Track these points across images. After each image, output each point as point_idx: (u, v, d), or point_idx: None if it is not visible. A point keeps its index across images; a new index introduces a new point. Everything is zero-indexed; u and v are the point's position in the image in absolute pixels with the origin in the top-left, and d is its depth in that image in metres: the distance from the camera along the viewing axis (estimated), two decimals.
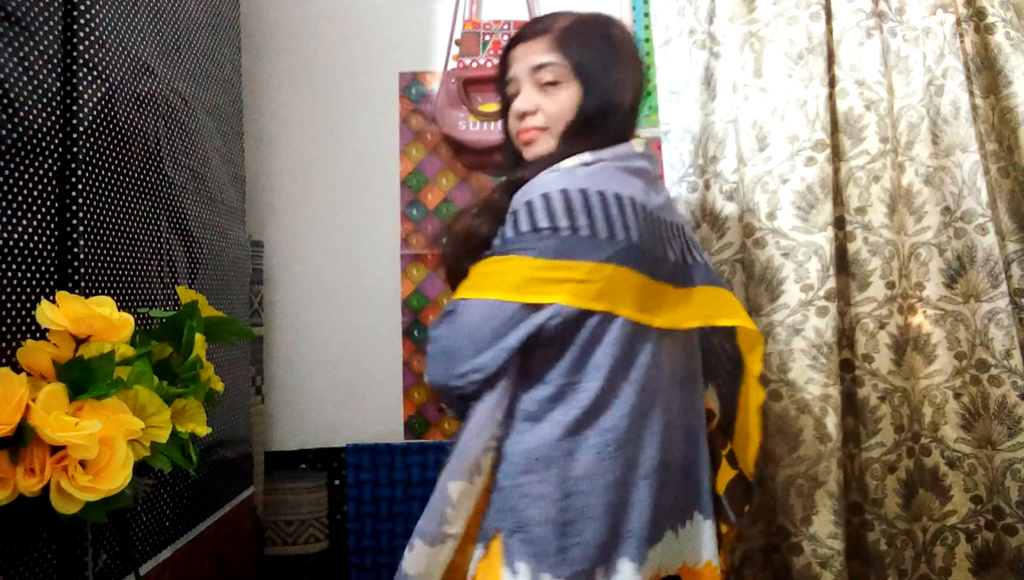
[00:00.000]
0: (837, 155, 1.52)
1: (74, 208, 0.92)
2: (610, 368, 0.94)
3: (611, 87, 1.03)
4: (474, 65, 1.75)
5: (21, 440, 0.71)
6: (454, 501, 0.92)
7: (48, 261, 0.87)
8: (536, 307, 0.92)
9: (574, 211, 0.92)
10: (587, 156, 0.99)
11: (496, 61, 1.73)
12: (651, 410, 0.98)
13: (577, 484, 0.93)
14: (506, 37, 1.76)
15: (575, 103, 1.02)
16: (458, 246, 1.02)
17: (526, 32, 1.07)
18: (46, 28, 0.88)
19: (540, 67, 1.02)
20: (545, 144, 1.04)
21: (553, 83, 1.02)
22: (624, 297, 0.95)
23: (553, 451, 0.93)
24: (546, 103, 1.03)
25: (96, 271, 0.95)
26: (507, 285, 0.92)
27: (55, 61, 0.90)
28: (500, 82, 1.11)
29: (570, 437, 0.94)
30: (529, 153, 1.06)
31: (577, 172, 0.97)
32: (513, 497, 0.94)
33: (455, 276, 1.03)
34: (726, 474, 1.16)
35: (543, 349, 0.95)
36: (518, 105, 1.05)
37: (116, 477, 0.76)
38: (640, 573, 0.94)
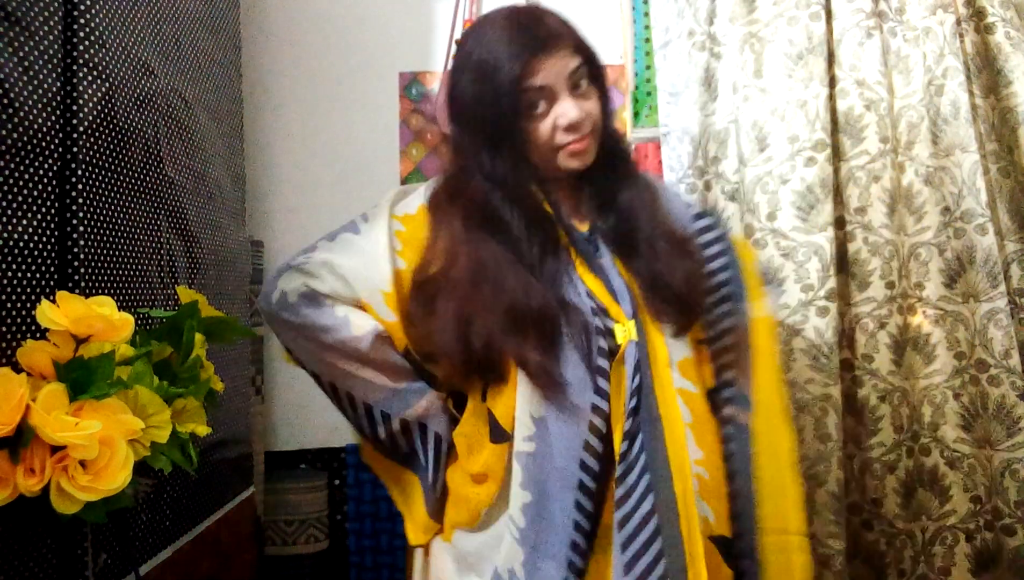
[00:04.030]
0: (837, 155, 1.52)
1: (74, 208, 0.91)
2: None
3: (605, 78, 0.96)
4: None
5: (21, 440, 0.71)
6: None
7: (48, 261, 0.87)
8: None
9: None
10: None
11: None
12: None
13: None
14: None
15: (599, 108, 0.92)
16: None
17: (547, 38, 0.88)
18: (46, 28, 0.88)
19: (575, 71, 0.89)
20: (591, 153, 0.93)
21: (582, 87, 0.90)
22: None
23: None
24: (586, 107, 0.90)
25: (96, 271, 0.95)
26: None
27: (55, 61, 0.90)
28: (500, 94, 0.88)
29: None
30: (576, 163, 0.93)
31: None
32: None
33: None
34: None
35: None
36: (571, 115, 0.88)
37: (116, 477, 0.75)
38: None
